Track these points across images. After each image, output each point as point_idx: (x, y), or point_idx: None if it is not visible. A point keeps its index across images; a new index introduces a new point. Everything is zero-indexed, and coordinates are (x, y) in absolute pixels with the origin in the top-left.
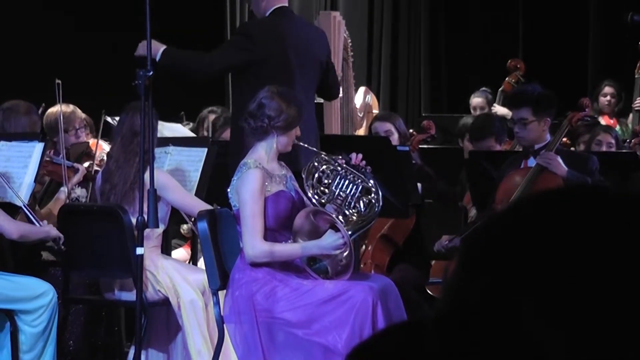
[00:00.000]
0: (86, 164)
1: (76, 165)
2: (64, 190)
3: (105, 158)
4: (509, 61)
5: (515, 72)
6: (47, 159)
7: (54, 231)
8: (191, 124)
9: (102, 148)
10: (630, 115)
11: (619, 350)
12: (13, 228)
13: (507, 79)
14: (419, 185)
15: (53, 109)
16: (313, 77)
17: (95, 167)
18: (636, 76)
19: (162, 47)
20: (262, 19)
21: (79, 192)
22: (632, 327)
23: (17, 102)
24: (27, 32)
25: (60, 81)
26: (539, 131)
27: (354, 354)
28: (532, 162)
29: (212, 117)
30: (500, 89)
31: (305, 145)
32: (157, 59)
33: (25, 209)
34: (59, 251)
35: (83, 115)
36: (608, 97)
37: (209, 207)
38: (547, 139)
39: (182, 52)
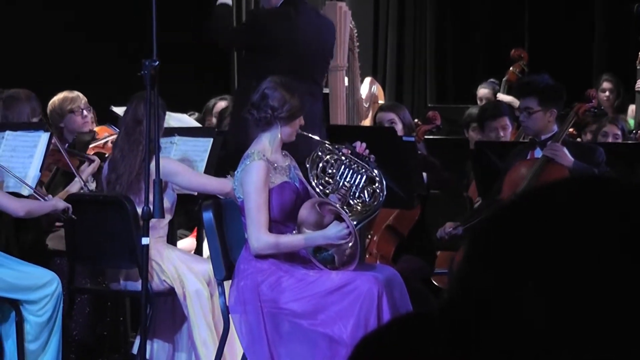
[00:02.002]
0: (93, 151)
1: (91, 156)
2: (78, 182)
3: (109, 140)
4: (513, 51)
5: (519, 62)
6: (54, 148)
7: (61, 203)
8: (196, 114)
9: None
10: (630, 108)
11: (621, 345)
12: (17, 206)
13: (511, 68)
14: (424, 175)
15: (57, 96)
16: (321, 67)
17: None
18: (638, 67)
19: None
20: (274, 9)
21: (92, 186)
22: (636, 321)
23: (17, 90)
24: (28, 30)
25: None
26: (545, 122)
27: (361, 346)
28: (538, 152)
29: (222, 103)
30: (504, 78)
31: (309, 135)
32: (217, 3)
33: (33, 192)
34: (71, 220)
35: (87, 101)
36: (607, 93)
37: (223, 181)
38: (554, 129)
39: (227, 16)
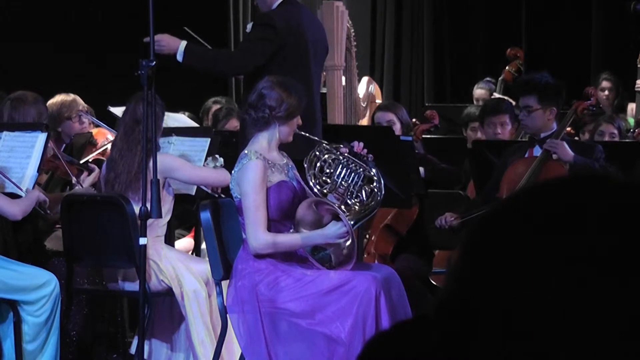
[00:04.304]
0: (90, 156)
1: (91, 166)
2: (78, 190)
3: (108, 147)
4: (508, 50)
5: (515, 61)
6: (53, 154)
7: (41, 196)
8: (187, 113)
9: (107, 137)
10: (629, 107)
11: (619, 350)
12: (15, 209)
13: (507, 67)
14: (421, 169)
15: (54, 99)
16: (322, 66)
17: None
18: (638, 65)
19: (182, 45)
20: (278, 10)
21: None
22: (634, 325)
23: (24, 92)
24: (28, 30)
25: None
26: (544, 120)
27: (365, 353)
28: (537, 151)
29: (215, 107)
30: (500, 77)
31: (307, 135)
32: (180, 58)
33: (19, 190)
34: (45, 215)
35: (84, 104)
36: (606, 92)
37: (222, 172)
38: (553, 128)
39: (206, 51)
